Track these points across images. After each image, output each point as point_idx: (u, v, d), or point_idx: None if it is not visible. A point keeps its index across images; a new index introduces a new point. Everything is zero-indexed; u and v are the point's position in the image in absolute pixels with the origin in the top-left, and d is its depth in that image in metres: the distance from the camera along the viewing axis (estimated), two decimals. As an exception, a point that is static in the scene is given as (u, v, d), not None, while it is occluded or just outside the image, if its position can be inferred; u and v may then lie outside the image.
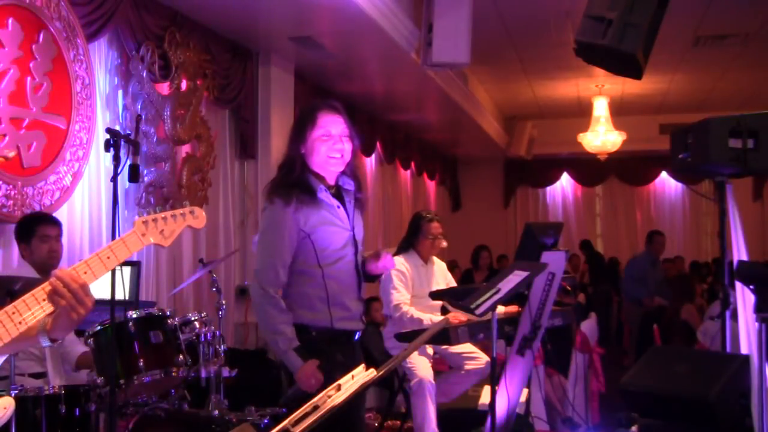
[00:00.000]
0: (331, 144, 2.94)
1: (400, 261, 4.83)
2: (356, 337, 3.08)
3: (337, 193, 3.04)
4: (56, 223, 3.88)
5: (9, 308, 1.78)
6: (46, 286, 1.81)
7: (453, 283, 5.21)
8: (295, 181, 2.94)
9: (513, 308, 4.61)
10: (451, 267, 6.15)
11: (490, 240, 10.65)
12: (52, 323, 1.86)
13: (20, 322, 1.78)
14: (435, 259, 5.11)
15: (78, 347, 3.86)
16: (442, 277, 5.06)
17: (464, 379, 4.94)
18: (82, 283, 1.82)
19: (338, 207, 2.99)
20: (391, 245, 6.04)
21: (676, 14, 5.27)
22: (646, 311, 8.15)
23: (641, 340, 7.71)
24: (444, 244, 5.06)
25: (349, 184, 3.06)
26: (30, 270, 3.73)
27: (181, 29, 5.61)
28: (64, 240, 4.33)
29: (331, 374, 2.74)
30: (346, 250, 2.99)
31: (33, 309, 1.80)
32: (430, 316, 4.70)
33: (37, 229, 3.76)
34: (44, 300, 1.81)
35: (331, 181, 3.03)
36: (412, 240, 4.99)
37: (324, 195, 2.95)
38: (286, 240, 2.90)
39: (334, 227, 2.96)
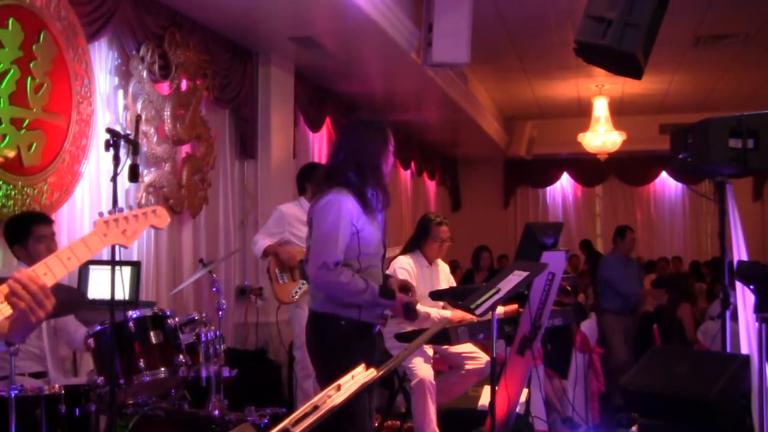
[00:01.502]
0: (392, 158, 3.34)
1: (406, 261, 4.84)
2: (375, 330, 3.32)
3: (387, 197, 3.33)
4: (50, 222, 3.87)
5: None
6: (3, 288, 1.73)
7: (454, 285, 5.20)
8: (357, 180, 3.19)
9: (513, 307, 4.61)
10: (453, 268, 6.15)
11: (491, 240, 10.64)
12: (9, 327, 1.79)
13: None
14: (439, 261, 5.11)
15: (82, 329, 3.83)
16: (445, 280, 5.06)
17: (464, 379, 4.94)
18: (42, 285, 1.75)
19: (378, 210, 3.28)
20: (390, 245, 6.03)
21: (676, 14, 5.27)
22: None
23: (639, 341, 7.66)
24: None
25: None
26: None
27: (181, 29, 5.61)
28: (65, 240, 4.33)
29: (354, 364, 2.86)
30: (378, 250, 3.29)
31: None
32: (438, 310, 4.70)
33: (33, 230, 3.73)
34: (2, 302, 1.72)
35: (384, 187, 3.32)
36: (419, 241, 4.98)
37: (373, 198, 3.23)
38: (343, 231, 3.14)
39: (374, 228, 3.24)
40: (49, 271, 1.79)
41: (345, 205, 3.14)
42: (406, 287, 3.32)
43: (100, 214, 1.95)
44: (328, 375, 3.15)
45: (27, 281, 1.73)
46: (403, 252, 4.96)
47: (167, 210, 5.91)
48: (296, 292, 5.17)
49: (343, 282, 3.11)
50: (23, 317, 1.74)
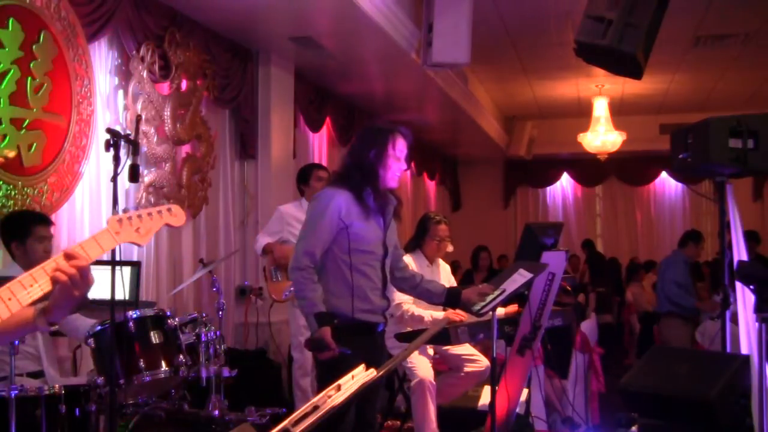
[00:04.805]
0: (400, 165, 3.40)
1: (407, 259, 4.84)
2: (379, 329, 3.35)
3: (380, 200, 3.37)
4: (51, 223, 3.86)
5: (2, 290, 1.71)
6: (49, 264, 1.76)
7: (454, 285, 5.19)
8: (356, 180, 3.29)
9: (513, 308, 4.61)
10: (453, 268, 6.15)
11: (490, 240, 10.63)
12: (51, 306, 1.83)
13: (9, 299, 1.71)
14: (440, 260, 5.11)
15: (87, 321, 3.81)
16: (446, 279, 5.06)
17: (462, 382, 4.94)
18: (84, 263, 1.81)
19: (377, 210, 3.32)
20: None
21: (676, 14, 5.27)
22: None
23: (642, 341, 7.65)
24: (450, 248, 5.06)
25: (392, 200, 3.45)
26: (19, 270, 3.71)
27: (181, 29, 5.61)
28: (64, 240, 4.33)
29: (352, 363, 2.88)
30: (376, 249, 3.30)
31: (29, 289, 1.74)
32: (431, 313, 4.70)
33: (34, 230, 3.71)
34: (31, 285, 1.74)
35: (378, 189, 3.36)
36: (418, 240, 5.00)
37: (369, 197, 3.29)
38: (327, 224, 3.22)
39: (369, 226, 3.28)
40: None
41: (334, 199, 3.23)
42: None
43: (114, 213, 1.94)
44: (324, 375, 3.18)
45: (73, 254, 1.77)
46: (404, 251, 4.96)
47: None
48: (290, 291, 5.17)
49: (303, 276, 3.16)
50: (65, 293, 1.77)
